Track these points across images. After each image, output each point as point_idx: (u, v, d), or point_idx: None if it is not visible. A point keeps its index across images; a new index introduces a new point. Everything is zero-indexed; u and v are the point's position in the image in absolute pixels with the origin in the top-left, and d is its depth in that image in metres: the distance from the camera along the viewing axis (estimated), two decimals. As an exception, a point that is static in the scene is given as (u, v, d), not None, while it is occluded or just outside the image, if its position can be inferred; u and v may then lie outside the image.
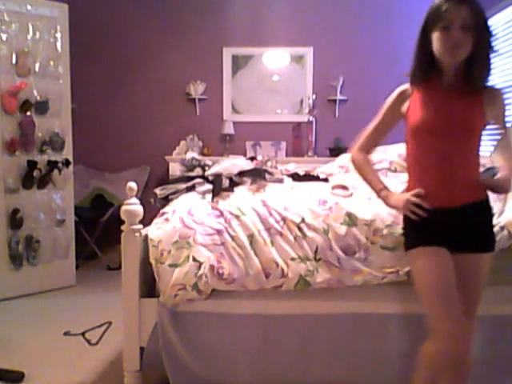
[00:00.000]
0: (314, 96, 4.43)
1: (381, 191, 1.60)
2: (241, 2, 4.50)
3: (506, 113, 1.54)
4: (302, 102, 4.58)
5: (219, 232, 1.85)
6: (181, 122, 4.59)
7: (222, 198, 2.01)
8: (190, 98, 4.58)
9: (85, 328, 2.69)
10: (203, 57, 4.56)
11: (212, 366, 1.90)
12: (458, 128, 1.44)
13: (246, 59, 4.58)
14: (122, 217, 1.91)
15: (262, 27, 4.50)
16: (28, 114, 3.33)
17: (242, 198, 2.02)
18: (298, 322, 1.88)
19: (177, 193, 2.25)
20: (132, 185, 1.93)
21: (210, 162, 2.55)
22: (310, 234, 1.84)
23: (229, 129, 4.48)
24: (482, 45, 1.40)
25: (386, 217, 1.83)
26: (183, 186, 2.28)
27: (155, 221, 1.96)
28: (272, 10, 4.48)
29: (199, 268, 1.80)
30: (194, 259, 1.81)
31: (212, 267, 1.79)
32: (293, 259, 1.82)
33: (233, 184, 2.22)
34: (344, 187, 2.09)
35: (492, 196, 1.89)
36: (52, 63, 3.46)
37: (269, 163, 2.71)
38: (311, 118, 4.39)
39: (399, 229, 1.73)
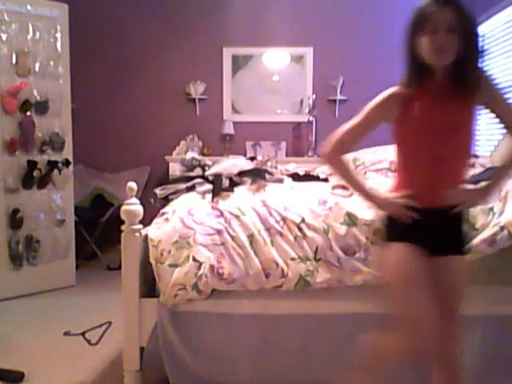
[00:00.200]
0: (313, 96, 4.43)
1: (368, 193, 1.57)
2: (241, 2, 4.50)
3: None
4: (301, 101, 4.58)
5: (219, 232, 1.85)
6: (181, 122, 4.59)
7: (222, 198, 2.01)
8: (189, 98, 4.58)
9: (85, 328, 2.69)
10: (203, 57, 4.56)
11: (212, 365, 1.90)
12: (449, 130, 1.44)
13: (245, 59, 4.58)
14: (122, 217, 1.91)
15: (262, 27, 4.50)
16: (28, 114, 3.33)
17: (242, 198, 2.02)
18: (298, 322, 1.88)
19: (177, 193, 2.25)
20: (132, 185, 1.93)
21: (209, 162, 2.56)
22: (309, 233, 1.84)
23: (229, 129, 4.48)
24: (469, 46, 1.40)
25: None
26: (183, 185, 2.29)
27: (155, 221, 1.96)
28: (272, 10, 4.48)
29: (199, 268, 1.80)
30: (194, 259, 1.81)
31: (212, 267, 1.80)
32: (293, 259, 1.82)
33: (233, 184, 2.23)
34: (344, 187, 2.09)
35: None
36: (52, 63, 3.46)
37: (269, 163, 2.72)
38: (311, 118, 4.39)
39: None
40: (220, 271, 1.79)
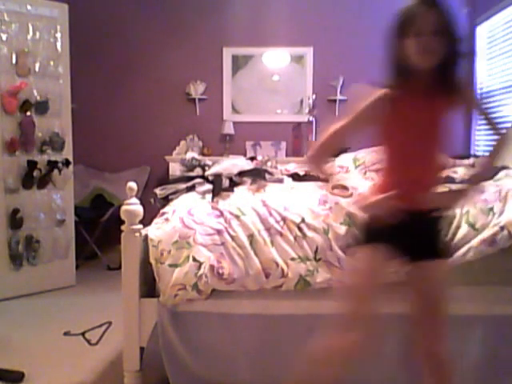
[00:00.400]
0: (313, 96, 4.43)
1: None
2: (241, 2, 4.50)
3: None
4: (302, 101, 4.58)
5: (219, 232, 1.85)
6: (181, 122, 4.59)
7: (222, 198, 2.01)
8: (189, 98, 4.58)
9: (85, 328, 2.69)
10: (203, 57, 4.56)
11: (212, 365, 1.90)
12: (431, 131, 1.45)
13: (245, 59, 4.58)
14: (122, 217, 1.91)
15: (262, 27, 4.50)
16: (28, 114, 3.33)
17: (242, 198, 2.02)
18: (298, 322, 1.88)
19: (177, 193, 2.25)
20: (132, 185, 1.93)
21: (210, 162, 2.56)
22: (309, 233, 1.84)
23: (229, 129, 4.48)
24: (452, 49, 1.40)
25: (386, 217, 1.83)
26: (183, 186, 2.28)
27: (155, 221, 1.96)
28: (272, 10, 4.48)
29: (199, 268, 1.80)
30: (194, 259, 1.81)
31: (212, 267, 1.80)
32: (293, 259, 1.82)
33: (233, 184, 2.23)
34: (344, 187, 2.09)
35: (492, 196, 1.90)
36: (52, 63, 3.46)
37: (269, 163, 2.72)
38: (311, 118, 4.39)
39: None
40: (220, 271, 1.79)
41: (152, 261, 1.86)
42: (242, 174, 2.34)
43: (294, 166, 3.06)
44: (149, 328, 1.90)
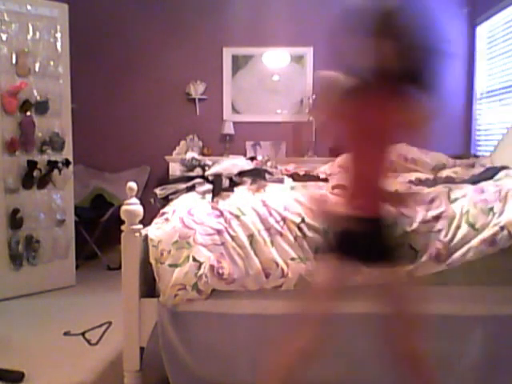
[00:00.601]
0: (313, 96, 4.43)
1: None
2: (241, 2, 4.50)
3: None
4: (302, 101, 4.58)
5: (219, 232, 1.85)
6: (181, 122, 4.59)
7: (222, 198, 2.01)
8: (189, 98, 4.58)
9: (85, 328, 2.69)
10: (203, 57, 4.56)
11: (212, 365, 1.90)
12: (380, 134, 1.44)
13: (246, 59, 4.58)
14: (122, 217, 1.91)
15: (262, 27, 4.50)
16: (28, 114, 3.33)
17: (242, 198, 2.02)
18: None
19: (177, 193, 2.25)
20: (132, 185, 1.93)
21: (209, 162, 2.55)
22: (309, 233, 1.84)
23: (229, 129, 4.48)
24: (411, 54, 1.38)
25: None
26: (183, 186, 2.28)
27: (155, 221, 1.96)
28: (272, 10, 4.48)
29: (199, 268, 1.80)
30: (194, 259, 1.81)
31: (212, 267, 1.80)
32: (293, 259, 1.82)
33: (233, 184, 2.22)
34: (344, 187, 2.09)
35: (492, 196, 1.90)
36: (52, 63, 3.46)
37: (269, 163, 2.72)
38: (311, 118, 4.39)
39: (399, 229, 1.73)
40: (220, 271, 1.79)
41: (152, 261, 1.86)
42: (241, 173, 2.34)
43: (294, 166, 3.06)
44: (149, 328, 1.90)
